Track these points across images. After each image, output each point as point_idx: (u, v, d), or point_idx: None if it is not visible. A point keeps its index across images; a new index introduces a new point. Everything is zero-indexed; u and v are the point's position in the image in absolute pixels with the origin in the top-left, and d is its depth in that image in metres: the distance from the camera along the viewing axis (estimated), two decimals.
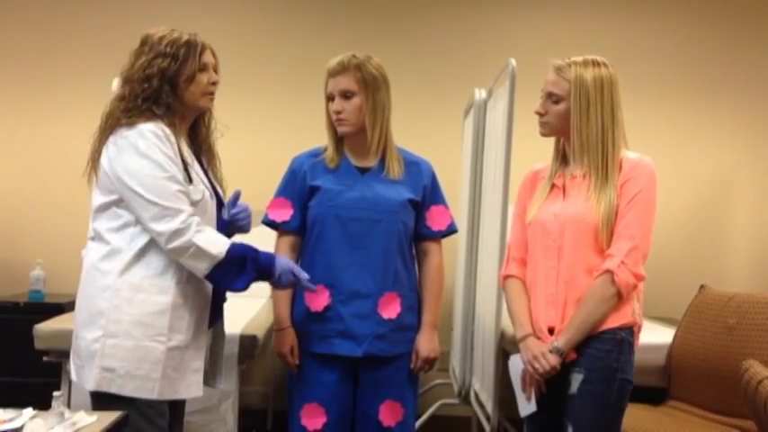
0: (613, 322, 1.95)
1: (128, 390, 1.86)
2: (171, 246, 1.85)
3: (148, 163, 1.85)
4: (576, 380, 1.94)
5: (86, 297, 1.93)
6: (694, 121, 4.33)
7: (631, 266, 1.92)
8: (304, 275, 2.01)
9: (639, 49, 4.28)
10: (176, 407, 2.05)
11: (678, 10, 4.34)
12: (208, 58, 1.99)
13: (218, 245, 1.88)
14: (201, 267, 1.87)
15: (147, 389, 1.87)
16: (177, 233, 1.84)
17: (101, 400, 1.87)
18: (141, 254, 1.89)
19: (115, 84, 1.97)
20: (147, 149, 1.85)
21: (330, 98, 2.22)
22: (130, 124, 1.88)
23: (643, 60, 4.26)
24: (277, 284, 2.01)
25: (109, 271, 1.89)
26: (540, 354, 1.96)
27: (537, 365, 1.96)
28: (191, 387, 1.97)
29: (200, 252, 1.85)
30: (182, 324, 1.92)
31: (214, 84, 2.01)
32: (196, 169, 1.98)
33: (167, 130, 1.89)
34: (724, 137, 4.33)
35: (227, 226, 2.12)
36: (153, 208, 1.84)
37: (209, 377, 2.12)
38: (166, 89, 1.91)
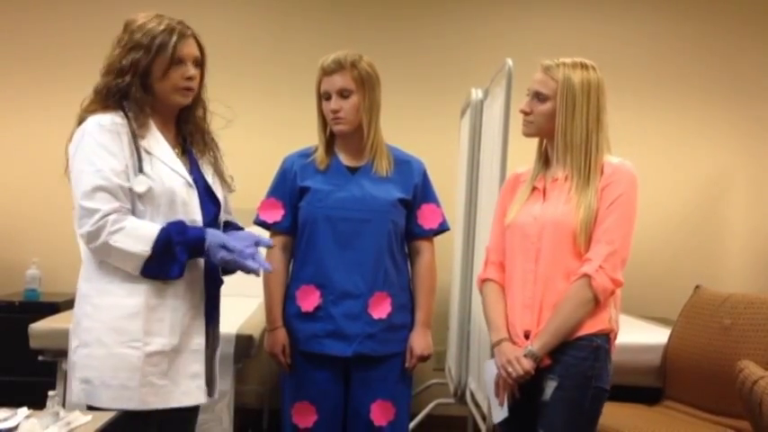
0: (589, 328, 1.91)
1: (104, 401, 1.75)
2: (91, 248, 1.76)
3: (79, 157, 1.77)
4: (550, 386, 1.91)
5: (75, 307, 1.88)
6: (689, 123, 4.34)
7: (609, 271, 1.89)
8: (238, 249, 1.80)
9: (635, 51, 4.28)
10: (185, 415, 1.92)
11: (674, 12, 4.34)
12: (186, 49, 1.85)
13: (141, 240, 1.74)
14: (131, 268, 1.76)
15: (124, 398, 1.75)
16: (92, 235, 1.73)
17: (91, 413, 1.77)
18: None
19: None
20: (82, 142, 1.77)
21: (325, 97, 2.21)
22: (83, 119, 1.82)
23: (639, 61, 4.27)
24: (212, 260, 1.83)
25: (83, 278, 1.85)
26: (514, 358, 1.92)
27: (510, 369, 1.92)
28: (189, 394, 1.84)
29: (123, 254, 1.74)
30: (162, 326, 1.80)
31: (189, 78, 1.86)
32: (164, 159, 1.85)
33: (119, 120, 1.79)
34: (718, 138, 4.34)
35: (227, 224, 2.03)
36: (76, 206, 1.76)
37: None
38: (136, 83, 1.81)
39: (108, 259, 1.77)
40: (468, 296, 3.36)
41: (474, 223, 3.37)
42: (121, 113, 1.82)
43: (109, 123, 1.79)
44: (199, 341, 1.88)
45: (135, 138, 1.81)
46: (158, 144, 1.87)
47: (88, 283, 1.83)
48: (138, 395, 1.76)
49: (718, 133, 4.34)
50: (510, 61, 2.79)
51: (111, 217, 1.73)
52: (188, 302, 1.86)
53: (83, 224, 1.74)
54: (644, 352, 2.94)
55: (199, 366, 1.87)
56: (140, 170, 1.80)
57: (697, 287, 3.10)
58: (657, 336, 3.08)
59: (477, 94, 3.42)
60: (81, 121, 1.84)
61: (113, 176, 1.76)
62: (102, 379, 1.76)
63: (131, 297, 1.79)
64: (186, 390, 1.84)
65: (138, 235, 1.75)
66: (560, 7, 4.36)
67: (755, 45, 4.33)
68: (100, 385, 1.77)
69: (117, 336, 1.77)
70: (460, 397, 3.35)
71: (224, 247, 1.80)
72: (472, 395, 3.24)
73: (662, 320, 3.49)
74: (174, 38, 1.82)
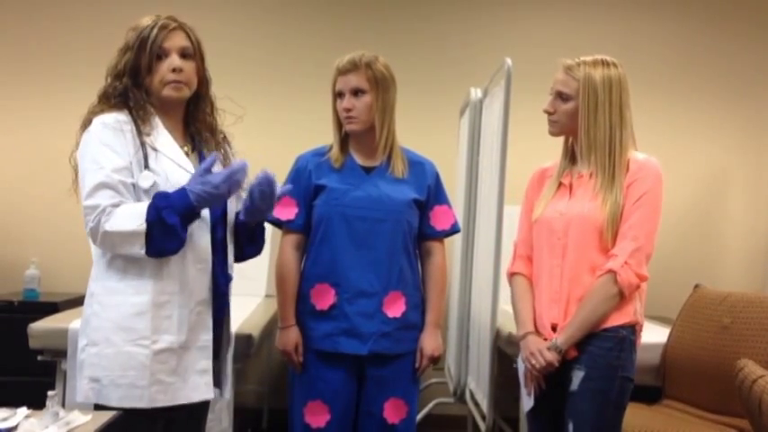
0: (615, 321, 1.96)
1: (114, 399, 1.75)
2: (97, 244, 1.77)
3: (83, 156, 1.79)
4: (577, 377, 1.95)
5: (84, 306, 1.88)
6: (687, 121, 4.34)
7: (635, 267, 1.94)
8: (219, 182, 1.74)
9: (633, 50, 4.27)
10: (193, 412, 1.91)
11: (672, 11, 4.35)
12: (169, 41, 1.83)
13: (134, 217, 1.72)
14: (136, 249, 1.73)
15: (133, 397, 1.76)
16: (93, 230, 1.74)
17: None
18: (114, 255, 1.80)
19: None
20: (86, 142, 1.79)
21: (339, 95, 2.23)
22: (88, 122, 1.82)
23: (636, 60, 4.25)
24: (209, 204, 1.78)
25: (91, 278, 1.86)
26: (537, 351, 1.98)
27: (534, 362, 1.99)
28: (197, 390, 1.85)
29: (122, 236, 1.72)
30: (169, 324, 1.79)
31: (174, 70, 1.82)
32: (169, 155, 1.85)
33: (123, 118, 1.80)
34: (717, 136, 4.34)
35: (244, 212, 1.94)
36: (83, 206, 1.77)
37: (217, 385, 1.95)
38: (130, 84, 1.83)
39: (115, 250, 1.77)
40: (467, 296, 3.36)
41: (473, 223, 3.38)
42: (126, 111, 1.83)
43: (112, 122, 1.79)
44: (206, 337, 1.87)
45: (140, 134, 1.81)
46: (164, 140, 1.87)
47: (96, 282, 1.84)
48: (148, 393, 1.77)
49: (715, 132, 4.34)
50: (509, 60, 2.79)
51: (108, 209, 1.73)
52: (195, 299, 1.85)
53: (86, 222, 1.75)
54: (643, 351, 2.89)
55: (206, 362, 1.87)
56: (146, 166, 1.80)
57: (696, 286, 3.10)
58: (657, 335, 3.08)
59: (476, 93, 3.43)
60: (86, 123, 1.85)
61: (114, 173, 1.76)
62: (111, 378, 1.76)
63: (138, 295, 1.78)
64: (194, 386, 1.84)
65: (130, 214, 1.73)
66: (560, 7, 4.36)
67: (753, 45, 4.33)
68: (109, 384, 1.77)
69: (125, 334, 1.77)
70: (460, 396, 3.36)
71: (208, 182, 1.73)
72: (471, 394, 3.24)
73: (661, 319, 3.49)
74: (155, 31, 1.82)
